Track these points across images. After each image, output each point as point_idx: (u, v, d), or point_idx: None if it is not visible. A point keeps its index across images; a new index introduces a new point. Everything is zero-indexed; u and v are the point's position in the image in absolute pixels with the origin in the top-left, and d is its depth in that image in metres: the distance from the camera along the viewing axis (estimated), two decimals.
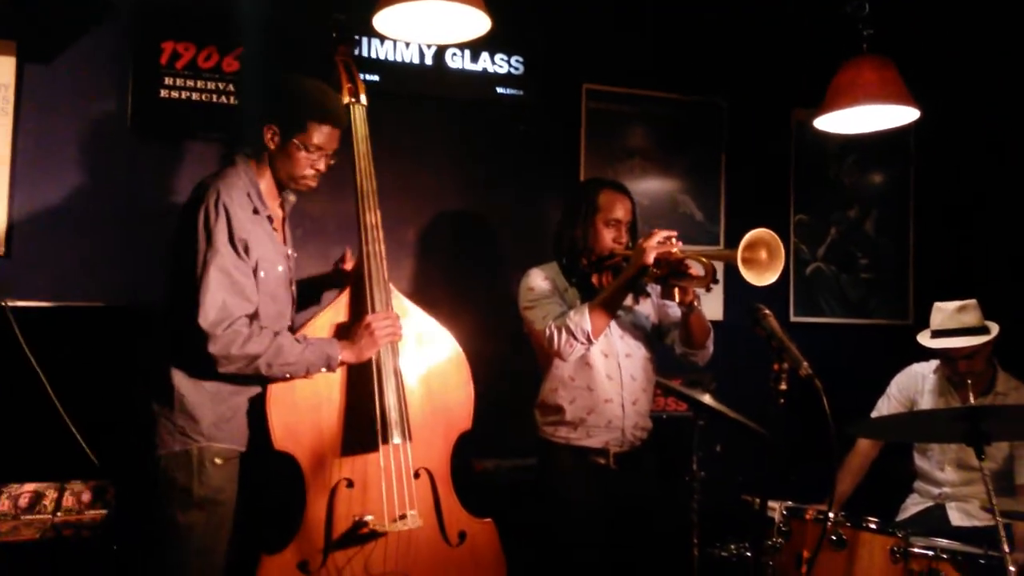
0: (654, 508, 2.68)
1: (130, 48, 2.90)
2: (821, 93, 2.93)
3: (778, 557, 2.38)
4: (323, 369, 2.24)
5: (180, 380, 2.17)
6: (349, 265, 2.60)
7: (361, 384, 2.30)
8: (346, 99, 2.44)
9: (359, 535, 2.24)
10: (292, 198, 2.45)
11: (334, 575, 2.23)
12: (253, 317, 2.18)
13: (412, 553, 2.31)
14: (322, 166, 2.29)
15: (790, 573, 2.34)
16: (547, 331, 2.51)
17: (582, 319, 2.48)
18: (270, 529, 2.24)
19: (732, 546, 2.54)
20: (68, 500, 2.35)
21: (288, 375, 2.21)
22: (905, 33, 3.10)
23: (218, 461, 2.20)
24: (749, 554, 2.44)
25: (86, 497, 2.36)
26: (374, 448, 2.26)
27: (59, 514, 2.32)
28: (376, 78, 3.17)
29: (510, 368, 2.87)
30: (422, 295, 3.22)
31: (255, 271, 2.22)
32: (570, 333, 2.48)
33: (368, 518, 2.23)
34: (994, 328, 3.00)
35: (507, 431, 2.90)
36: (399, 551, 2.30)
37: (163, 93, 2.92)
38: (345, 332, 2.32)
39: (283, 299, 2.33)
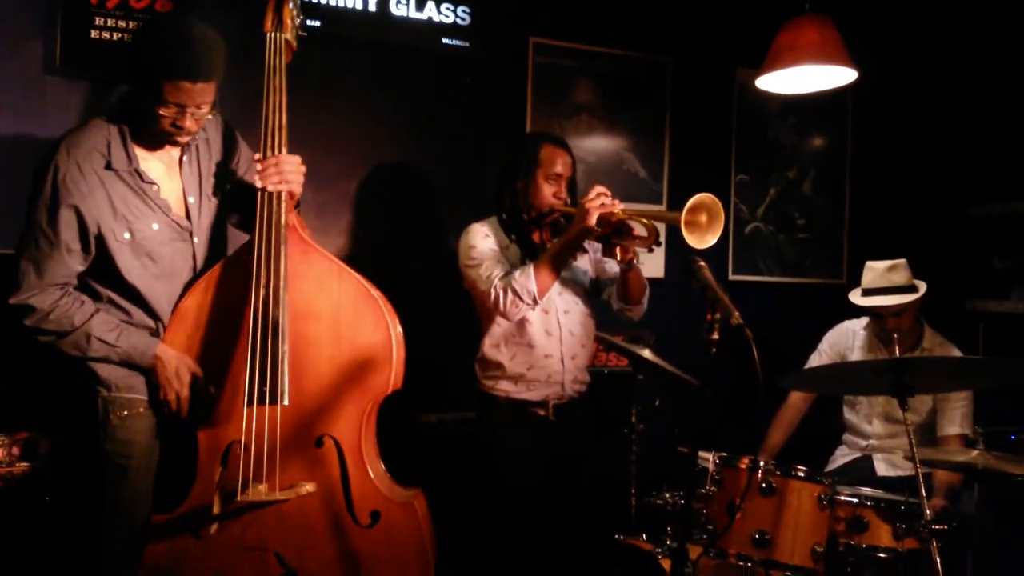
0: (591, 459, 2.74)
1: None
2: (765, 53, 2.96)
3: (711, 505, 2.46)
4: (139, 361, 2.11)
5: None
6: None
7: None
8: (266, 29, 2.27)
9: (249, 503, 2.06)
10: (201, 137, 2.25)
11: (224, 542, 2.10)
12: (67, 286, 2.08)
13: (311, 528, 2.14)
14: (187, 122, 2.07)
15: (722, 520, 2.42)
16: (492, 292, 2.51)
17: (528, 280, 2.49)
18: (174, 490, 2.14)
19: (668, 495, 2.62)
20: None
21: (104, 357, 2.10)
22: None
23: (124, 414, 2.13)
24: (684, 502, 2.50)
25: (16, 450, 2.31)
26: (255, 409, 2.09)
27: None
28: (317, 23, 3.07)
29: (451, 322, 2.87)
30: (361, 247, 3.20)
31: (99, 236, 2.07)
32: (516, 294, 2.49)
33: (258, 486, 2.06)
34: (922, 287, 3.11)
35: (449, 385, 2.91)
36: (296, 524, 2.13)
37: (94, 34, 2.80)
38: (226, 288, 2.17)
39: (169, 257, 2.18)
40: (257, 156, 2.21)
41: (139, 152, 2.15)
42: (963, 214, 4.11)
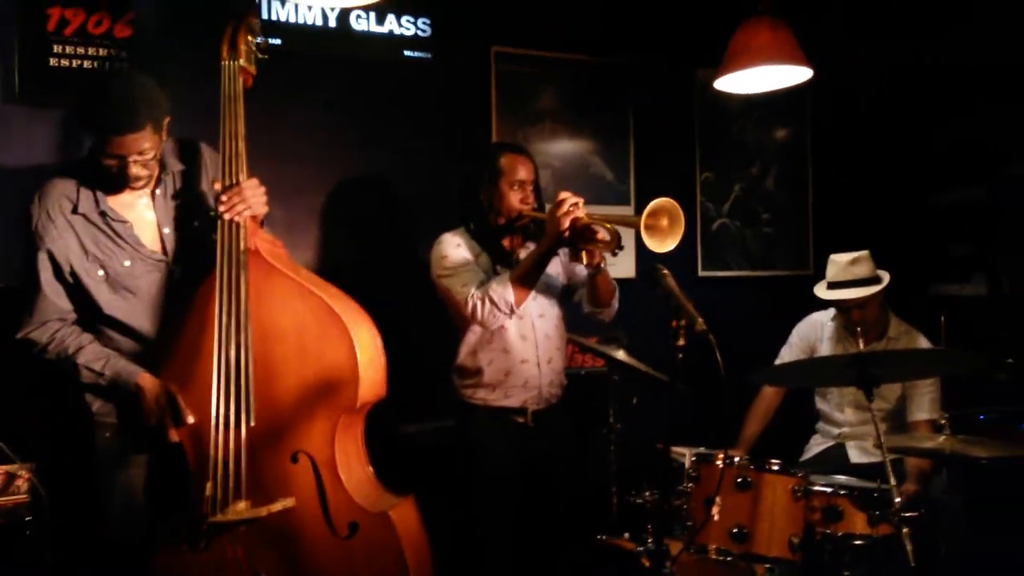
0: (571, 462, 2.77)
1: (13, 14, 2.75)
2: (724, 53, 3.00)
3: (690, 501, 2.50)
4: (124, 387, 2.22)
5: None
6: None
7: None
8: (221, 59, 2.30)
9: (228, 522, 2.12)
10: (176, 168, 2.35)
11: (211, 556, 2.15)
12: (65, 321, 2.23)
13: (292, 542, 2.19)
14: (132, 170, 2.16)
15: (701, 515, 2.46)
16: (469, 302, 2.54)
17: (505, 290, 2.51)
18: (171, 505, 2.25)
19: (647, 493, 2.65)
20: None
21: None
22: None
23: (107, 435, 2.28)
24: (661, 500, 2.54)
25: None
26: (220, 432, 2.14)
27: None
28: (279, 41, 3.07)
29: (424, 332, 2.88)
30: (330, 261, 3.21)
31: (73, 274, 2.21)
32: (493, 304, 2.52)
33: (237, 504, 2.12)
34: (885, 277, 3.17)
35: (427, 395, 2.92)
36: (277, 539, 2.18)
37: (52, 61, 2.78)
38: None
39: (146, 289, 2.27)
40: (216, 184, 2.25)
41: (111, 195, 2.24)
42: (923, 202, 4.20)
